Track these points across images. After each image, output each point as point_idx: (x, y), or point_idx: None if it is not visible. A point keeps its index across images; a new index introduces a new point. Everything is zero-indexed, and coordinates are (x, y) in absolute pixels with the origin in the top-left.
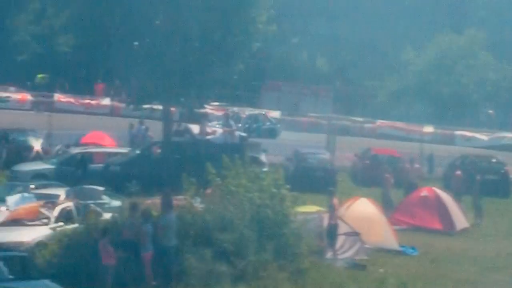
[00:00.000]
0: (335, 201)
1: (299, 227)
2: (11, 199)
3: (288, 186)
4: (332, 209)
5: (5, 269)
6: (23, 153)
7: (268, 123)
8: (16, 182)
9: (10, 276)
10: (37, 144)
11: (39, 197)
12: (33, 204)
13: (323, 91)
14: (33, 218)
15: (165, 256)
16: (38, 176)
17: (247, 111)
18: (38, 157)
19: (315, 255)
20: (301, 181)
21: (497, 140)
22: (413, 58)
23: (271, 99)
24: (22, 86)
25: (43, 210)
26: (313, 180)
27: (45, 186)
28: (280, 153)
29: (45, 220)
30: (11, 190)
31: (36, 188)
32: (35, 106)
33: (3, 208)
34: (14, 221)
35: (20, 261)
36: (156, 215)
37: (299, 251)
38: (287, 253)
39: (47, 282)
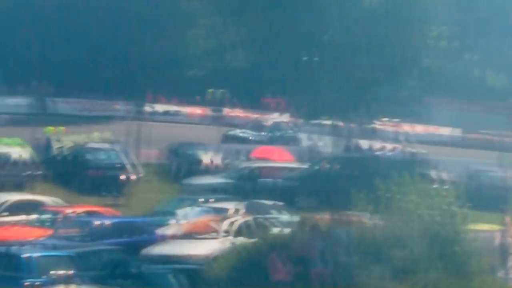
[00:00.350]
0: (508, 219)
1: (470, 245)
2: (183, 213)
3: (459, 204)
4: (505, 228)
5: (176, 282)
6: (194, 167)
7: (290, 131)
8: (188, 196)
9: None
10: (207, 158)
11: (210, 210)
12: (205, 218)
13: (497, 108)
14: (205, 232)
15: (336, 272)
16: (209, 190)
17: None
18: (208, 171)
19: (487, 273)
20: (473, 199)
21: None
22: None
23: (442, 116)
24: (192, 100)
25: (214, 224)
26: (485, 197)
27: (216, 200)
28: (452, 170)
29: (216, 234)
30: (182, 204)
31: (207, 202)
32: (208, 120)
33: (176, 222)
34: (187, 235)
35: (192, 274)
36: (327, 230)
37: (470, 269)
38: (458, 271)
39: None
